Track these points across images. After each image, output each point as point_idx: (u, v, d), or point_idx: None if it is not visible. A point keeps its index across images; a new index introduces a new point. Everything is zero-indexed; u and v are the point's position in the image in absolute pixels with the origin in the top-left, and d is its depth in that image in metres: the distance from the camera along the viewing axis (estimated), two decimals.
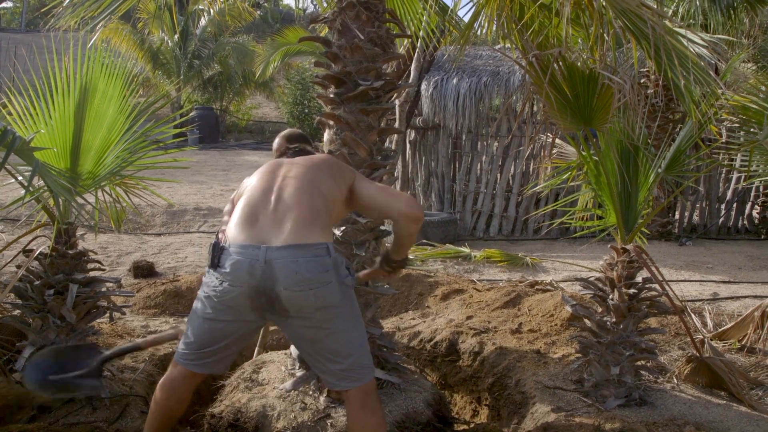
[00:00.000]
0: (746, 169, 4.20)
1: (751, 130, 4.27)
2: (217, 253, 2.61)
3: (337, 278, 2.60)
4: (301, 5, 8.12)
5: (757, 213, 10.08)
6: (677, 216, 9.79)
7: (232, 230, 2.64)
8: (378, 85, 3.59)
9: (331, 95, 3.68)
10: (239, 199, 2.80)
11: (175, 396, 2.83)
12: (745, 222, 9.99)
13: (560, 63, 3.50)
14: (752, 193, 9.94)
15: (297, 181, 2.74)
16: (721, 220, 9.83)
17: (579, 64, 3.58)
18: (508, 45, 4.40)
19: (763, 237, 9.72)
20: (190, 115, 21.24)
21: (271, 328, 5.05)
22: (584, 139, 3.86)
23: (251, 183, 2.83)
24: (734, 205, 9.85)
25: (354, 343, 2.71)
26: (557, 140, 4.44)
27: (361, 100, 3.62)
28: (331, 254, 2.60)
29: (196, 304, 2.74)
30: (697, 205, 9.90)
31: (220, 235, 2.74)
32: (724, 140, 4.23)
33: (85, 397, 3.47)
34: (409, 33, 5.02)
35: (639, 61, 7.47)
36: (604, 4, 3.41)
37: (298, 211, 2.63)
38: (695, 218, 9.98)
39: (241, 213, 2.68)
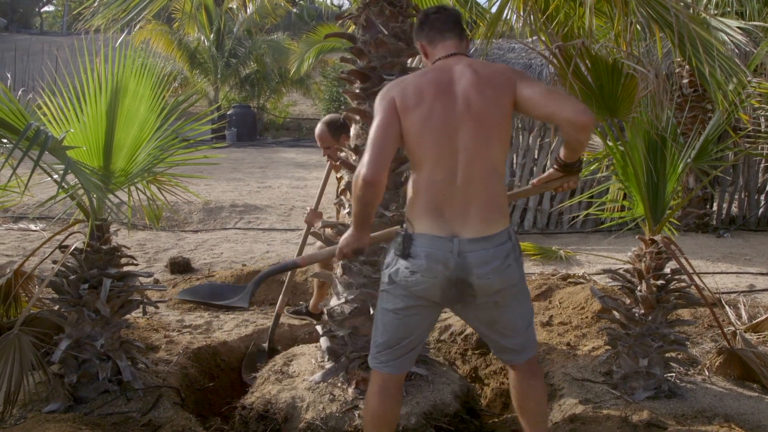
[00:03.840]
0: None
1: None
2: (408, 243, 2.66)
3: (515, 259, 2.70)
4: (336, 2, 8.16)
5: None
6: (715, 208, 9.64)
7: (420, 220, 2.66)
8: None
9: (357, 90, 3.72)
10: (413, 169, 2.70)
11: (393, 399, 2.92)
12: None
13: (584, 53, 3.49)
14: None
15: (476, 164, 2.64)
16: (760, 211, 9.65)
17: (604, 53, 3.56)
18: (535, 37, 4.40)
19: None
20: (228, 113, 21.50)
21: (306, 321, 5.13)
22: (610, 130, 3.84)
23: (428, 164, 2.65)
24: None
25: (526, 317, 2.85)
26: None
27: None
28: (511, 239, 2.70)
29: (382, 301, 2.81)
30: (736, 197, 9.73)
31: (405, 223, 2.75)
32: (751, 129, 4.17)
33: (119, 388, 3.57)
34: None
35: (671, 50, 7.38)
36: None
37: (482, 199, 2.64)
38: (734, 209, 9.81)
39: (426, 201, 2.66)
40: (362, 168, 2.53)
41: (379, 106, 2.68)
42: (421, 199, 2.67)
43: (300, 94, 25.36)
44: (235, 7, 18.15)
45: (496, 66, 2.78)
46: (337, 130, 4.37)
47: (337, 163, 3.97)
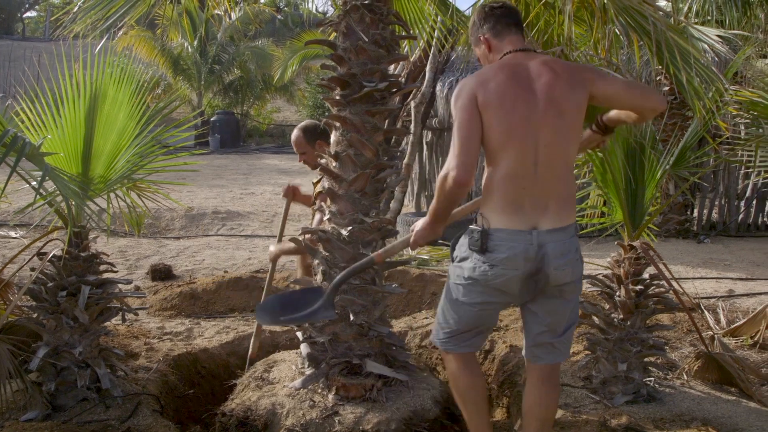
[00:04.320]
0: (752, 164, 4.19)
1: (764, 125, 4.24)
2: (485, 238, 2.70)
3: (580, 254, 2.85)
4: (321, 8, 8.18)
5: None
6: (695, 214, 9.71)
7: (498, 214, 2.72)
8: (383, 86, 3.62)
9: (337, 97, 3.72)
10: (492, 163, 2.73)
11: (477, 370, 3.09)
12: (766, 219, 9.87)
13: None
14: None
15: (555, 160, 2.72)
16: (740, 216, 9.74)
17: (583, 60, 3.59)
18: None
19: None
20: (212, 119, 21.45)
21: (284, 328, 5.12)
22: None
23: (507, 160, 2.69)
24: (754, 201, 9.75)
25: (573, 317, 2.94)
26: None
27: (366, 101, 3.65)
28: (577, 233, 2.84)
29: (455, 293, 2.88)
30: (716, 203, 9.82)
31: (479, 219, 2.79)
32: (729, 136, 4.22)
33: (98, 396, 3.55)
34: (414, 35, 5.04)
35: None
36: (605, 1, 3.42)
37: (558, 193, 2.73)
38: (714, 215, 9.89)
39: (505, 196, 2.71)
40: (453, 170, 2.58)
41: (459, 104, 2.70)
42: (499, 194, 2.72)
43: (284, 101, 25.37)
44: (222, 13, 18.15)
45: (570, 64, 2.90)
46: (313, 136, 4.39)
47: (317, 169, 3.97)
